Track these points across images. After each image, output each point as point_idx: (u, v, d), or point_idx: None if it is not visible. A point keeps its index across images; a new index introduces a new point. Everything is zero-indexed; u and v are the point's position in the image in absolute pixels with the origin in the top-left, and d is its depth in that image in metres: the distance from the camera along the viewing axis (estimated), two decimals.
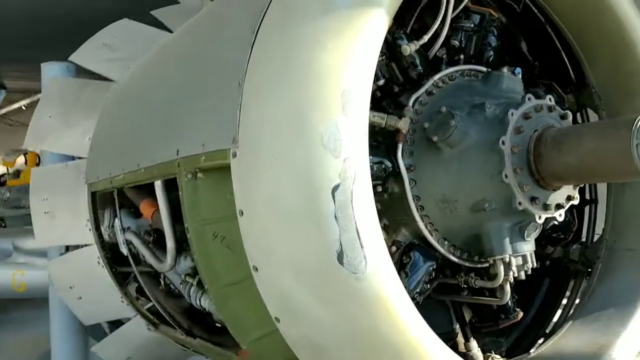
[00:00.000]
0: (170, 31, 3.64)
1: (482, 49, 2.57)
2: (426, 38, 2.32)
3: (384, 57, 2.34)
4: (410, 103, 2.31)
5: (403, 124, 2.23)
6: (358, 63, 1.83)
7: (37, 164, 17.51)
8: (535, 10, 2.75)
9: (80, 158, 3.60)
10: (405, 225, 2.32)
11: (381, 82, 2.35)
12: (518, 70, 2.51)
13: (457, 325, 2.68)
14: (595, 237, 2.86)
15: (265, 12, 2.00)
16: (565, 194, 2.23)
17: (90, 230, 3.38)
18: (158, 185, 2.55)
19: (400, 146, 2.25)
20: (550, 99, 2.26)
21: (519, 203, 2.15)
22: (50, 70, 4.41)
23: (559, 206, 2.22)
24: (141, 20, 4.01)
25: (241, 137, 1.92)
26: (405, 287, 1.91)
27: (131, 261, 3.09)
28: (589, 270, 2.83)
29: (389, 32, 2.10)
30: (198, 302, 2.81)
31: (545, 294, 2.93)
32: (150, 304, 3.51)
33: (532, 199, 2.16)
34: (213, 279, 2.25)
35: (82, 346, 4.50)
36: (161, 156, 2.39)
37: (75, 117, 3.56)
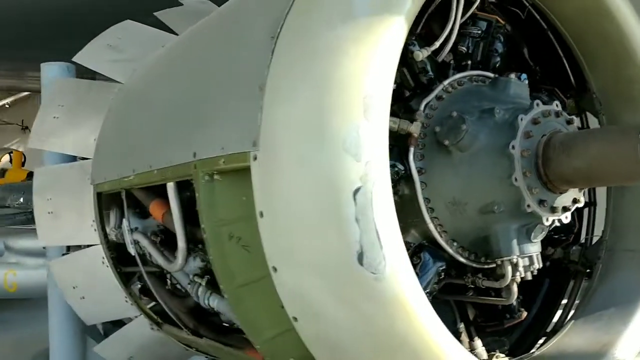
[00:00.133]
0: (174, 33, 3.68)
1: (488, 55, 2.64)
2: (437, 44, 2.38)
3: None
4: (422, 107, 2.37)
5: (415, 128, 2.29)
6: (378, 69, 1.88)
7: (23, 164, 17.39)
8: (538, 17, 2.82)
9: (84, 158, 3.63)
10: (415, 227, 2.38)
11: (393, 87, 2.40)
12: (524, 76, 2.59)
13: (462, 325, 2.74)
14: (594, 239, 2.95)
15: (285, 19, 2.05)
16: (571, 197, 2.30)
17: (95, 230, 3.41)
18: (170, 186, 2.59)
19: (412, 150, 2.31)
20: (557, 105, 2.34)
21: (528, 206, 2.22)
22: (50, 71, 4.43)
23: (565, 208, 2.30)
24: (143, 21, 4.05)
25: (262, 141, 1.97)
26: None
27: (138, 261, 3.12)
28: (588, 270, 2.91)
29: None
30: (207, 302, 2.86)
31: (546, 294, 3.00)
32: (154, 304, 3.55)
33: (540, 202, 2.23)
34: (228, 279, 2.29)
35: (81, 346, 4.53)
36: (176, 158, 2.43)
37: (80, 117, 3.59)
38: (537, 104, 2.28)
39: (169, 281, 3.20)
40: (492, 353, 2.66)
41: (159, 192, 2.90)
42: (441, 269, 2.39)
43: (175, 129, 2.51)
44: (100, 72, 3.66)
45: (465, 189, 2.28)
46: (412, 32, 2.53)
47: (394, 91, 2.43)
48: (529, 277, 2.36)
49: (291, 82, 1.96)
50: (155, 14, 3.94)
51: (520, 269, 2.31)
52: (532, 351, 2.76)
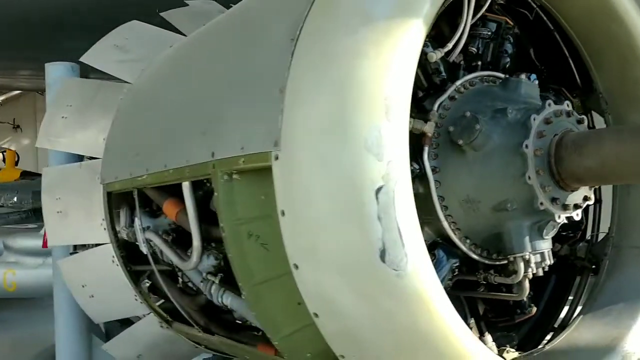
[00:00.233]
0: (181, 33, 3.71)
1: (498, 56, 2.69)
2: (450, 45, 2.42)
3: None
4: (435, 108, 2.41)
5: (429, 128, 2.34)
6: (398, 71, 1.92)
7: (16, 163, 17.32)
8: (545, 18, 2.87)
9: (92, 158, 3.65)
10: (429, 225, 2.43)
11: None
12: (533, 76, 2.64)
13: (472, 320, 2.79)
14: (600, 236, 3.00)
15: (304, 22, 2.08)
16: (582, 195, 2.36)
17: (105, 229, 3.43)
18: (186, 186, 2.63)
19: (426, 149, 2.35)
20: (567, 105, 2.39)
21: (541, 203, 2.26)
22: (55, 71, 4.45)
23: (576, 206, 2.35)
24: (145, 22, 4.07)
25: (283, 141, 2.01)
26: None
27: (150, 259, 3.15)
28: (594, 267, 2.97)
29: None
30: (220, 300, 2.90)
31: (553, 290, 3.05)
32: (163, 302, 3.59)
33: (553, 200, 2.28)
34: (247, 276, 2.33)
35: (87, 345, 4.55)
36: (193, 158, 2.46)
37: (89, 117, 3.62)
38: (549, 104, 2.33)
39: (180, 279, 3.24)
40: (502, 348, 2.71)
41: (172, 191, 2.93)
42: (455, 265, 2.44)
43: (192, 129, 2.54)
44: (107, 72, 3.68)
45: (478, 187, 2.33)
46: None
47: None
48: (540, 273, 2.41)
49: (312, 84, 1.99)
50: (161, 14, 3.96)
51: (532, 265, 2.36)
52: (540, 346, 2.81)
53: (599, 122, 3.01)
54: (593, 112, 3.04)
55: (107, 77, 4.02)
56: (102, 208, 3.42)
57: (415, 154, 2.36)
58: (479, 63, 2.65)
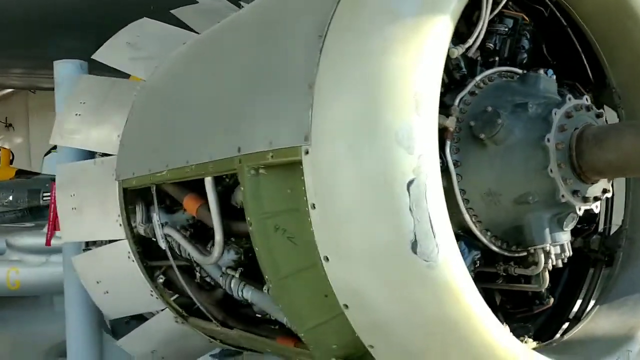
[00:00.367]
0: (192, 30, 3.74)
1: (515, 51, 2.73)
2: (471, 41, 2.46)
3: None
4: (456, 103, 2.45)
5: (450, 123, 2.38)
6: (428, 66, 1.96)
7: (11, 162, 17.27)
8: (558, 14, 2.92)
9: (105, 154, 3.67)
10: (451, 217, 2.45)
11: None
12: (550, 71, 2.68)
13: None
14: (613, 228, 3.05)
15: (331, 19, 2.12)
16: (601, 187, 2.41)
17: (120, 225, 3.46)
18: (208, 181, 2.66)
19: (448, 143, 2.39)
20: (587, 99, 2.43)
21: (562, 196, 2.31)
22: (64, 69, 4.47)
23: (596, 198, 2.40)
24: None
25: (314, 135, 2.05)
26: None
27: (169, 255, 3.18)
28: (606, 259, 3.02)
29: None
30: (240, 294, 2.93)
31: (566, 281, 3.10)
32: (177, 297, 3.62)
33: (574, 192, 2.33)
34: (273, 270, 2.37)
35: (97, 341, 4.57)
36: (217, 153, 2.50)
37: (103, 114, 3.64)
38: (569, 99, 2.38)
39: (198, 274, 3.27)
40: (520, 338, 2.76)
41: (191, 187, 2.97)
42: (477, 257, 2.48)
43: (216, 124, 2.57)
44: (120, 69, 3.70)
45: (500, 181, 2.37)
46: None
47: None
48: (560, 264, 2.45)
49: (341, 79, 2.03)
50: (172, 11, 3.99)
51: (552, 256, 2.40)
52: (557, 336, 2.86)
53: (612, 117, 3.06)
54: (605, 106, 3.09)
55: (113, 74, 4.05)
56: (117, 204, 3.45)
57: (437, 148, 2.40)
58: (496, 59, 2.69)
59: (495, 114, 2.34)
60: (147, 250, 3.51)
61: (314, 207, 2.07)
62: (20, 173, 15.84)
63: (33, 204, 14.24)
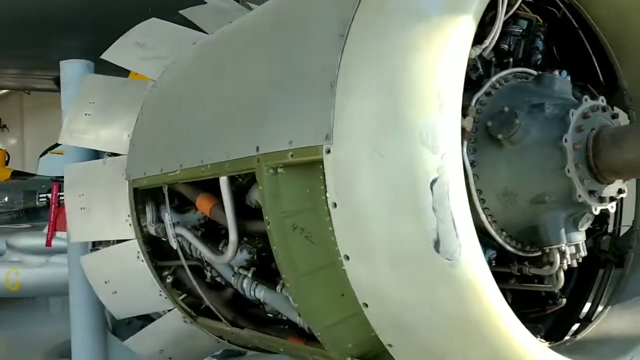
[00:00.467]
0: (202, 30, 3.74)
1: (529, 52, 2.75)
2: (487, 42, 2.48)
3: None
4: (473, 103, 2.47)
5: (467, 123, 2.38)
6: (451, 65, 1.97)
7: (6, 163, 17.21)
8: (570, 16, 2.94)
9: (113, 154, 3.67)
10: None
11: None
12: (564, 73, 2.70)
13: None
14: (623, 229, 3.07)
15: (353, 18, 2.13)
16: (617, 187, 2.42)
17: (130, 225, 3.46)
18: (223, 180, 2.67)
19: (464, 143, 2.40)
20: (602, 100, 2.45)
21: (579, 196, 2.33)
22: (70, 69, 4.48)
23: (612, 198, 2.42)
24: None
25: (336, 135, 2.06)
26: None
27: (181, 255, 3.18)
28: (616, 260, 3.04)
29: None
30: (252, 294, 2.94)
31: (576, 282, 3.11)
32: (185, 296, 3.62)
33: (590, 192, 2.34)
34: (291, 269, 2.37)
35: (102, 342, 4.57)
36: (235, 152, 2.50)
37: (113, 114, 3.64)
38: (586, 99, 2.39)
39: (208, 274, 3.27)
40: None
41: (205, 186, 2.97)
42: (492, 257, 2.49)
43: (233, 124, 2.58)
44: (130, 69, 3.71)
45: (516, 181, 2.38)
46: None
47: None
48: (575, 264, 2.47)
49: (364, 78, 2.04)
50: (180, 11, 4.00)
51: (568, 256, 2.42)
52: (567, 337, 2.87)
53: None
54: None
55: (117, 74, 4.05)
56: (127, 204, 3.45)
57: None
58: (510, 60, 2.71)
59: (513, 114, 2.36)
60: (156, 250, 3.51)
61: (335, 206, 2.08)
62: (15, 174, 15.79)
63: (29, 205, 14.21)
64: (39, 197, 14.27)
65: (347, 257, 2.10)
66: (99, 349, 4.51)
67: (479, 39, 2.51)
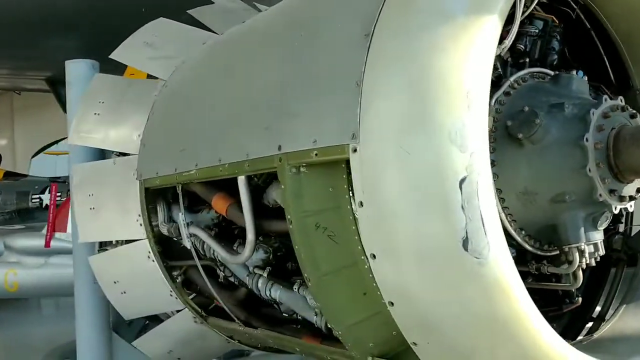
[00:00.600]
0: (210, 30, 3.74)
1: (545, 52, 2.77)
2: (507, 43, 2.49)
3: None
4: (492, 103, 2.48)
5: (488, 122, 2.40)
6: (478, 64, 1.98)
7: None
8: (582, 17, 2.96)
9: (122, 154, 3.66)
10: None
11: None
12: (580, 73, 2.72)
13: None
14: (635, 229, 3.09)
15: (378, 18, 2.14)
16: (636, 186, 2.44)
17: (141, 225, 3.45)
18: (241, 180, 2.66)
19: None
20: (621, 100, 2.47)
21: (600, 195, 2.34)
22: (76, 69, 4.45)
23: (631, 197, 2.43)
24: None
25: (362, 134, 2.06)
26: None
27: (194, 255, 3.18)
28: (628, 259, 3.06)
29: None
30: (267, 293, 2.94)
31: (588, 280, 3.13)
32: (196, 297, 3.61)
33: (611, 191, 2.36)
34: (313, 268, 2.37)
35: (107, 343, 4.55)
36: (255, 152, 2.50)
37: (122, 114, 3.62)
38: (605, 99, 2.41)
39: (221, 274, 3.27)
40: None
41: (220, 186, 2.97)
42: (512, 256, 2.50)
43: (253, 123, 2.57)
44: (139, 69, 3.70)
45: (536, 180, 2.40)
46: None
47: None
48: (593, 263, 2.48)
49: (391, 77, 2.05)
50: (189, 11, 3.99)
51: (587, 255, 2.44)
52: (580, 336, 2.89)
53: None
54: None
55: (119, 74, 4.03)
56: (137, 204, 3.44)
57: None
58: (527, 60, 2.73)
59: (533, 113, 2.37)
60: (166, 250, 3.50)
61: (362, 205, 2.09)
62: (8, 175, 15.71)
63: (22, 206, 14.14)
64: (32, 198, 14.20)
65: (374, 256, 2.11)
66: (104, 350, 4.49)
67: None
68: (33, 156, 19.39)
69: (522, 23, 2.70)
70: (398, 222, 2.02)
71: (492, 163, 2.41)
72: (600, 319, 2.95)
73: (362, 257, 2.23)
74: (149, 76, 3.91)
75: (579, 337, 2.86)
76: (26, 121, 22.89)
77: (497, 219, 1.97)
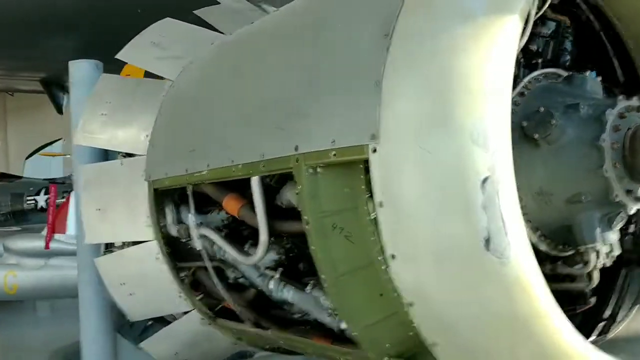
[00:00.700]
0: (217, 30, 3.73)
1: (558, 53, 2.77)
2: (521, 43, 2.49)
3: None
4: None
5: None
6: (500, 64, 1.98)
7: None
8: (592, 17, 2.97)
9: (128, 154, 3.64)
10: None
11: None
12: (593, 73, 2.73)
13: None
14: None
15: (397, 18, 2.14)
16: None
17: (149, 226, 3.43)
18: (255, 180, 2.65)
19: None
20: (637, 100, 2.47)
21: (616, 195, 2.35)
22: (79, 69, 4.44)
23: None
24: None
25: (382, 134, 2.06)
26: None
27: (205, 256, 3.17)
28: (638, 259, 3.07)
29: None
30: (279, 294, 2.93)
31: (600, 281, 3.13)
32: (204, 298, 3.60)
33: (627, 192, 2.36)
34: (330, 268, 2.36)
35: (112, 344, 4.53)
36: (270, 152, 2.49)
37: (130, 114, 3.61)
38: (620, 99, 2.42)
39: (231, 275, 3.26)
40: None
41: (232, 186, 2.96)
42: None
43: (268, 123, 2.57)
44: (147, 69, 3.68)
45: (552, 180, 2.40)
46: None
47: None
48: (609, 263, 2.49)
49: (412, 77, 2.05)
50: (195, 12, 3.98)
51: (602, 255, 2.44)
52: (593, 336, 2.89)
53: None
54: None
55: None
56: (145, 205, 3.42)
57: None
58: (539, 61, 2.73)
59: (549, 114, 2.38)
60: (174, 252, 3.49)
61: (382, 205, 2.08)
62: (2, 177, 15.64)
63: (16, 208, 14.08)
64: (27, 200, 14.14)
65: (393, 257, 2.10)
66: (109, 352, 4.47)
67: None
68: (27, 157, 19.30)
69: (534, 24, 2.71)
70: (418, 222, 2.02)
71: None
72: (612, 319, 2.96)
73: (379, 258, 2.22)
74: (147, 75, 3.90)
75: (592, 338, 2.86)
76: (19, 122, 22.82)
77: (518, 217, 1.96)
